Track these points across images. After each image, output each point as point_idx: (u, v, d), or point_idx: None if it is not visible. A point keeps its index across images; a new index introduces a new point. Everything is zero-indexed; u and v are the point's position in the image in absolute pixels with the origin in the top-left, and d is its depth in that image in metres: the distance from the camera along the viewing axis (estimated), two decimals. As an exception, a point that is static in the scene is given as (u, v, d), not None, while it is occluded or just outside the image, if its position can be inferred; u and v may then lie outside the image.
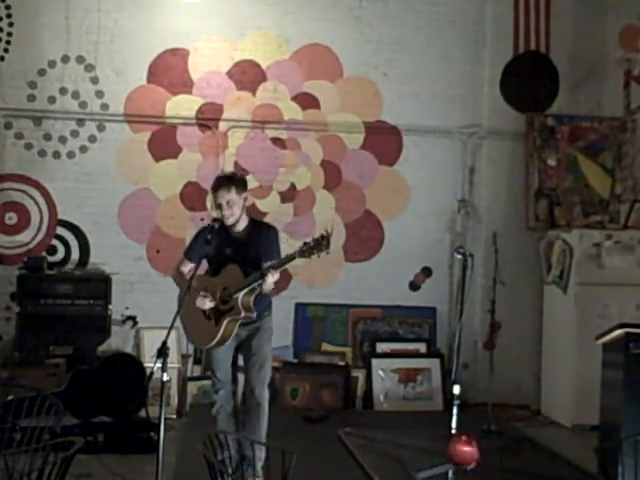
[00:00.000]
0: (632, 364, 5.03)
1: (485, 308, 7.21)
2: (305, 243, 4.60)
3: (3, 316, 7.34)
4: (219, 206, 4.86)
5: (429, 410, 7.20)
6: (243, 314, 4.74)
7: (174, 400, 6.88)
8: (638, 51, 7.87)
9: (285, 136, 7.77)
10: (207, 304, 4.82)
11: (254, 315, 4.81)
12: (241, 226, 4.93)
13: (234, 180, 4.91)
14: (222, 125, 7.68)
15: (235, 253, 4.87)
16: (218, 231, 4.83)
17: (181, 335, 7.20)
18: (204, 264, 4.96)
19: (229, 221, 4.86)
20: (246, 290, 4.72)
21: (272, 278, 4.63)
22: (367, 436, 6.11)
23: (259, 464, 4.70)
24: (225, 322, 4.77)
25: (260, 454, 4.69)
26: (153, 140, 7.61)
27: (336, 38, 7.77)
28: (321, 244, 4.53)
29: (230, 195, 4.81)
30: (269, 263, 4.71)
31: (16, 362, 6.75)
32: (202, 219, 7.53)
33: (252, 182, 7.72)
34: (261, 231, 4.99)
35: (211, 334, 4.80)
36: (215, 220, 4.88)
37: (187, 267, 5.00)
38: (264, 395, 4.93)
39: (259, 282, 4.68)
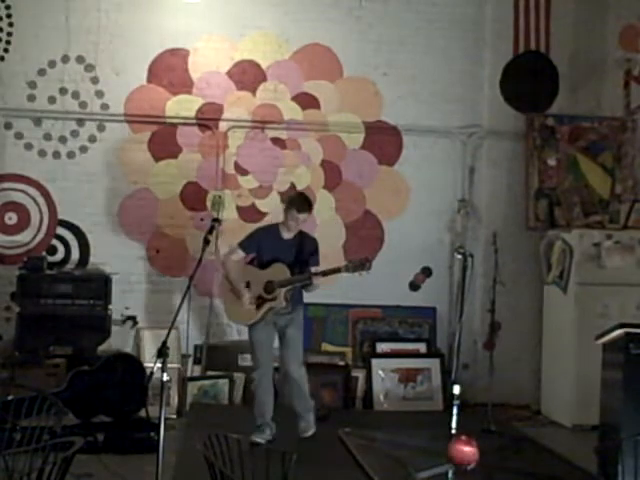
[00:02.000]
0: (632, 364, 5.03)
1: (485, 308, 7.21)
2: (351, 261, 5.80)
3: (3, 316, 7.34)
4: (292, 221, 5.78)
5: (429, 410, 7.20)
6: (284, 304, 5.73)
7: (174, 400, 6.88)
8: (638, 51, 7.86)
9: (285, 136, 7.77)
10: (247, 302, 5.75)
11: (290, 308, 5.79)
12: (292, 234, 5.87)
13: (311, 205, 5.97)
14: (222, 125, 7.68)
15: (284, 254, 5.78)
16: (272, 233, 5.87)
17: (181, 335, 7.24)
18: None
19: (285, 233, 5.84)
20: (290, 287, 5.71)
21: (317, 281, 5.73)
22: (367, 436, 6.10)
23: (311, 418, 5.95)
24: (266, 307, 5.75)
25: (311, 407, 5.95)
26: (153, 140, 7.61)
27: (336, 38, 7.78)
28: (364, 265, 5.66)
29: (304, 216, 5.82)
30: (318, 270, 5.78)
31: (16, 362, 6.74)
32: (202, 219, 7.54)
33: (252, 182, 7.75)
34: (307, 240, 5.93)
35: (251, 315, 5.78)
36: (215, 220, 5.29)
37: (238, 256, 5.90)
38: (300, 371, 5.93)
39: (303, 282, 5.73)
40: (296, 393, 5.94)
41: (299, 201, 5.88)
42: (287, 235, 5.86)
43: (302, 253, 5.83)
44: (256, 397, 5.92)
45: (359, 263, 5.66)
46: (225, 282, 6.01)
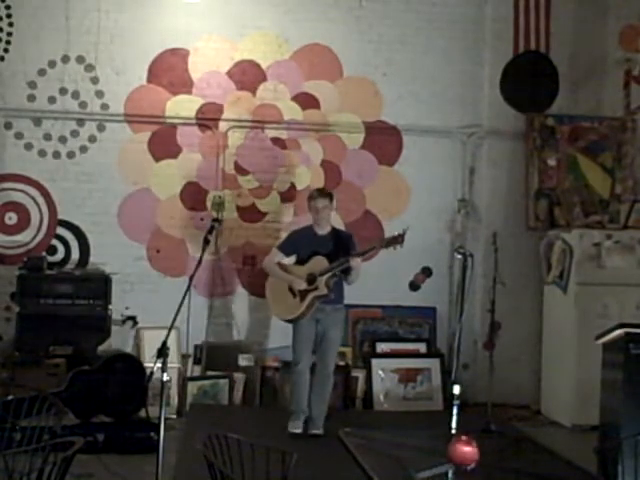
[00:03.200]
0: (632, 364, 5.02)
1: (485, 308, 7.20)
2: (384, 238, 6.10)
3: (3, 316, 7.34)
4: (316, 211, 6.13)
5: (429, 410, 7.20)
6: (325, 291, 5.95)
7: (174, 400, 6.88)
8: (638, 51, 7.86)
9: (285, 136, 7.77)
10: (302, 285, 6.03)
11: (332, 295, 6.00)
12: (326, 230, 6.21)
13: (327, 191, 6.35)
14: (222, 125, 7.68)
15: (322, 249, 6.07)
16: (307, 233, 6.22)
17: (181, 335, 7.24)
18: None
19: (318, 228, 6.18)
20: (330, 274, 5.94)
21: (355, 262, 5.89)
22: (367, 436, 6.10)
23: (322, 418, 6.13)
24: (310, 298, 6.00)
25: (324, 410, 6.15)
26: (153, 140, 7.61)
27: (336, 38, 7.78)
28: (397, 240, 5.88)
29: (325, 202, 6.14)
30: (353, 252, 5.99)
31: (16, 362, 6.74)
32: (202, 219, 7.54)
33: (252, 182, 7.75)
34: (343, 235, 6.33)
35: (296, 308, 6.05)
36: (215, 220, 5.29)
37: (280, 258, 6.25)
38: (332, 371, 6.23)
39: (343, 266, 5.90)
40: (319, 390, 6.15)
41: (314, 191, 6.34)
42: (321, 231, 6.19)
43: (339, 247, 6.09)
44: (295, 388, 6.17)
45: (392, 238, 5.91)
46: (269, 282, 6.33)
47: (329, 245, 6.13)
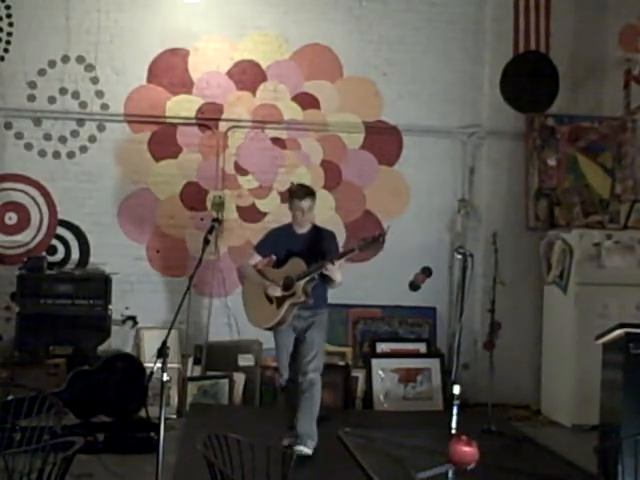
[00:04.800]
0: (632, 364, 5.02)
1: (485, 308, 7.20)
2: (364, 239, 5.47)
3: (3, 316, 7.34)
4: (295, 212, 5.59)
5: (429, 410, 7.20)
6: (303, 298, 5.44)
7: (174, 400, 6.88)
8: (638, 51, 7.86)
9: (285, 136, 7.77)
10: (277, 291, 5.50)
11: (311, 301, 5.48)
12: (306, 229, 5.67)
13: (310, 190, 5.70)
14: (222, 125, 7.68)
15: (300, 250, 5.57)
16: (286, 232, 5.69)
17: (181, 335, 7.23)
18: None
19: (298, 228, 5.64)
20: (307, 278, 5.43)
21: (333, 266, 5.37)
22: (367, 436, 6.10)
23: (310, 442, 5.48)
24: (287, 305, 5.48)
25: (312, 435, 5.52)
26: (153, 140, 7.61)
27: (336, 38, 7.78)
28: (377, 240, 5.44)
29: (308, 204, 5.58)
30: (330, 255, 5.46)
31: (16, 362, 6.75)
32: (202, 219, 7.54)
33: (252, 182, 7.75)
34: (323, 233, 5.73)
35: (272, 315, 5.53)
36: (215, 220, 5.16)
37: (255, 260, 5.77)
38: (316, 380, 5.58)
39: (319, 271, 5.40)
40: (306, 405, 5.55)
41: (298, 189, 5.72)
42: (300, 230, 5.67)
43: (319, 246, 5.61)
44: (287, 400, 5.78)
45: (372, 240, 5.45)
46: (245, 287, 5.90)
47: (308, 245, 5.62)
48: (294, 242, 5.63)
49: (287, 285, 5.50)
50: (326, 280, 5.54)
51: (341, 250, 5.69)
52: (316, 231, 5.72)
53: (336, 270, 5.42)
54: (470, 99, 7.95)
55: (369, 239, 5.45)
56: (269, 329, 5.69)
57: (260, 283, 5.59)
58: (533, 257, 7.72)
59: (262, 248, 5.77)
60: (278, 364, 5.81)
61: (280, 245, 5.68)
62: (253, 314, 5.74)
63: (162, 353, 3.87)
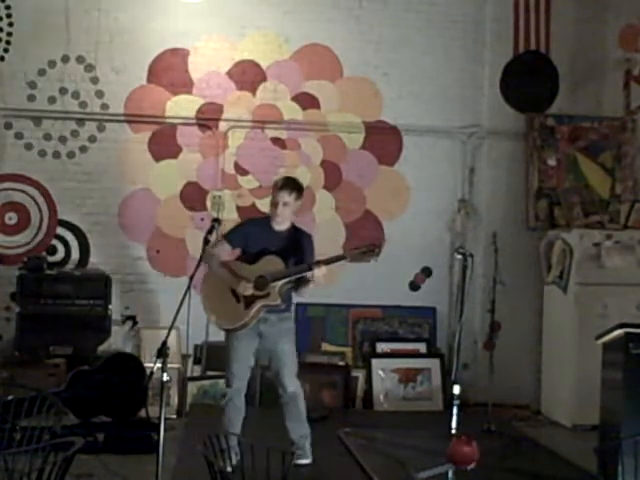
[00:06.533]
0: (632, 364, 5.02)
1: (485, 308, 7.21)
2: (357, 247, 5.08)
3: (3, 316, 7.33)
4: (276, 205, 5.18)
5: (429, 410, 7.20)
6: (278, 301, 5.04)
7: (174, 400, 6.88)
8: (638, 51, 7.85)
9: (285, 136, 7.77)
10: (249, 290, 5.02)
11: (283, 305, 5.13)
12: (284, 227, 5.25)
13: (297, 185, 5.26)
14: (222, 125, 7.68)
15: (275, 247, 5.14)
16: (262, 225, 5.24)
17: (181, 335, 7.23)
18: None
19: (276, 224, 5.21)
20: (285, 280, 5.02)
21: (319, 272, 4.96)
22: (367, 436, 6.10)
23: (307, 445, 5.28)
24: (257, 307, 5.04)
25: (307, 434, 5.29)
26: (153, 140, 7.61)
27: (336, 38, 7.77)
28: (373, 251, 4.99)
29: (290, 198, 5.16)
30: (318, 259, 5.05)
31: (16, 362, 6.75)
32: (202, 219, 7.54)
33: (252, 182, 7.75)
34: (302, 235, 5.30)
35: (238, 316, 5.05)
36: (215, 220, 5.02)
37: (224, 250, 5.23)
38: (296, 385, 5.30)
39: (303, 274, 4.99)
40: (293, 414, 5.30)
41: (283, 179, 5.33)
42: (278, 227, 5.23)
43: (296, 248, 5.18)
44: (225, 416, 5.20)
45: (366, 249, 5.01)
46: (206, 279, 5.23)
47: (286, 244, 5.17)
48: (270, 238, 5.18)
49: (260, 284, 5.03)
50: (300, 285, 5.12)
51: (330, 256, 5.16)
52: (295, 231, 5.31)
53: (321, 276, 5.00)
54: (470, 99, 7.95)
55: (363, 248, 5.05)
56: (229, 330, 5.19)
57: (227, 277, 5.04)
58: (533, 257, 7.72)
59: (234, 238, 5.24)
60: (227, 372, 5.25)
61: (253, 238, 5.17)
62: (214, 311, 5.14)
63: (162, 353, 3.87)
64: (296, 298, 5.44)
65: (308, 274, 4.99)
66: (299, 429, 5.32)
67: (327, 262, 5.01)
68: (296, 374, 5.33)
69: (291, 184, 5.23)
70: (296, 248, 5.18)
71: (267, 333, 5.18)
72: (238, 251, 5.32)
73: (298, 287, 5.16)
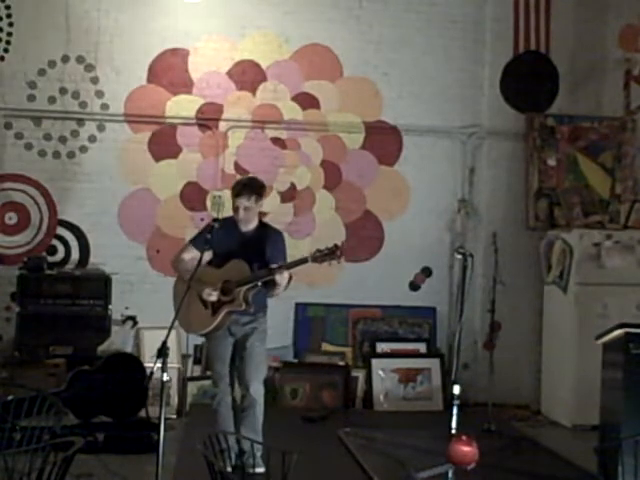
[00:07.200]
0: (632, 364, 5.02)
1: (485, 308, 7.21)
2: (319, 250, 4.94)
3: (3, 316, 7.33)
4: (236, 210, 5.11)
5: (429, 410, 7.20)
6: (243, 307, 4.97)
7: (174, 400, 6.88)
8: (638, 51, 7.85)
9: (285, 136, 7.77)
10: (214, 296, 5.01)
11: (252, 309, 5.03)
12: (251, 226, 5.16)
13: (255, 188, 5.15)
14: (222, 125, 7.68)
15: (242, 250, 5.06)
16: (228, 226, 5.09)
17: (181, 335, 7.23)
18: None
19: (242, 225, 5.12)
20: (250, 285, 4.96)
21: (281, 277, 4.89)
22: (367, 436, 6.11)
23: (258, 454, 4.73)
24: (223, 313, 5.02)
25: (258, 446, 4.74)
26: (153, 140, 7.61)
27: (336, 38, 7.77)
28: (334, 253, 4.91)
29: (249, 202, 5.07)
30: (280, 263, 4.95)
31: (16, 362, 6.75)
32: (202, 219, 7.54)
33: (252, 182, 7.74)
34: (269, 233, 5.20)
35: (206, 322, 5.07)
36: (215, 220, 5.07)
37: (190, 254, 5.16)
38: (260, 391, 5.17)
39: (265, 279, 4.93)
40: (249, 420, 5.11)
41: (240, 185, 5.18)
42: (245, 228, 5.13)
43: (264, 247, 5.08)
44: (218, 416, 5.16)
45: (328, 252, 4.91)
46: (176, 285, 5.25)
47: (252, 246, 5.08)
48: (237, 241, 5.11)
49: (226, 290, 5.00)
50: (269, 287, 5.03)
51: (292, 260, 5.07)
52: (263, 230, 5.21)
53: (285, 280, 4.92)
54: (470, 99, 7.95)
55: (325, 250, 4.94)
56: (203, 335, 5.26)
57: (193, 284, 4.83)
58: (533, 257, 7.72)
59: (198, 242, 5.12)
60: (213, 375, 5.28)
61: (220, 241, 5.03)
62: (185, 316, 4.96)
63: (162, 353, 3.87)
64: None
65: (273, 277, 4.90)
66: (253, 436, 4.93)
67: (289, 266, 4.96)
68: (262, 379, 5.20)
69: (248, 189, 5.11)
70: (265, 247, 5.10)
71: (236, 331, 5.15)
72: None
73: (266, 289, 5.07)
